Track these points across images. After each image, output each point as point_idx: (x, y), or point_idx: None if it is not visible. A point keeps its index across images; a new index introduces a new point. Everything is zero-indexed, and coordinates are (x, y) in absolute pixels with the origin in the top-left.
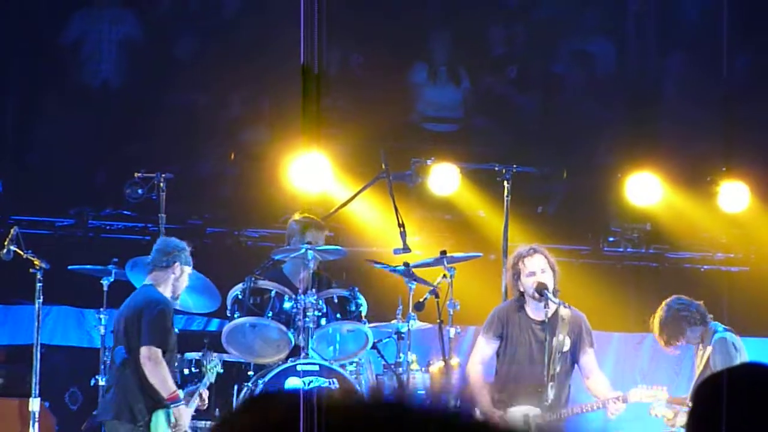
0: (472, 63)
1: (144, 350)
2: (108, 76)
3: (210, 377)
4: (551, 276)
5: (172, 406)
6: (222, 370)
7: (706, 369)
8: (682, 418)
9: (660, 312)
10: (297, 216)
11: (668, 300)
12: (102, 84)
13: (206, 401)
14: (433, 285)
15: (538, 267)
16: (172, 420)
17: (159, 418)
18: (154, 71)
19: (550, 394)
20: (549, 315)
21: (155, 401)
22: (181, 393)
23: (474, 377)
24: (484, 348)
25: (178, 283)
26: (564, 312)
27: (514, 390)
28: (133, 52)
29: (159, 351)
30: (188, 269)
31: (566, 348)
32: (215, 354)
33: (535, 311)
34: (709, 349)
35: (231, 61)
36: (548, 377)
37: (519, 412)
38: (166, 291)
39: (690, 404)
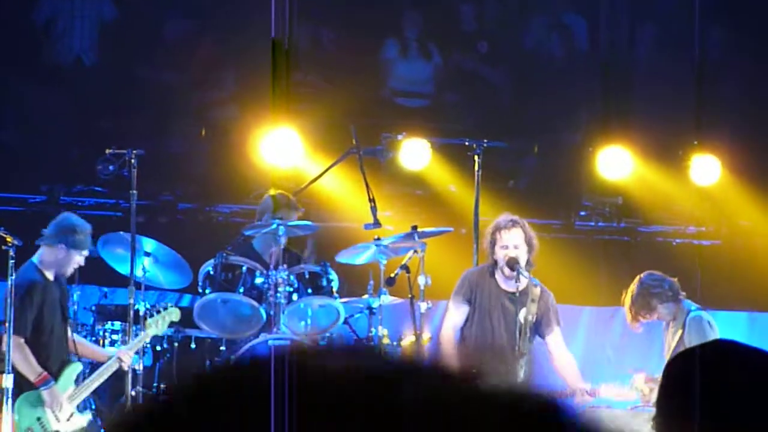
0: (443, 38)
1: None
2: (81, 53)
3: (152, 330)
4: (525, 251)
5: (42, 388)
6: (178, 319)
7: (679, 346)
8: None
9: (632, 287)
10: (272, 192)
11: (641, 275)
12: (75, 61)
13: (128, 361)
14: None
15: (513, 242)
16: (45, 399)
17: (22, 402)
18: (127, 48)
19: (520, 373)
20: (520, 289)
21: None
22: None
23: (446, 344)
24: (455, 314)
25: (62, 264)
26: (533, 288)
27: (480, 358)
28: (107, 30)
29: (20, 338)
30: (76, 253)
31: (531, 322)
32: (165, 308)
33: (505, 282)
34: (681, 327)
35: (203, 37)
36: (518, 352)
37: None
38: (49, 270)
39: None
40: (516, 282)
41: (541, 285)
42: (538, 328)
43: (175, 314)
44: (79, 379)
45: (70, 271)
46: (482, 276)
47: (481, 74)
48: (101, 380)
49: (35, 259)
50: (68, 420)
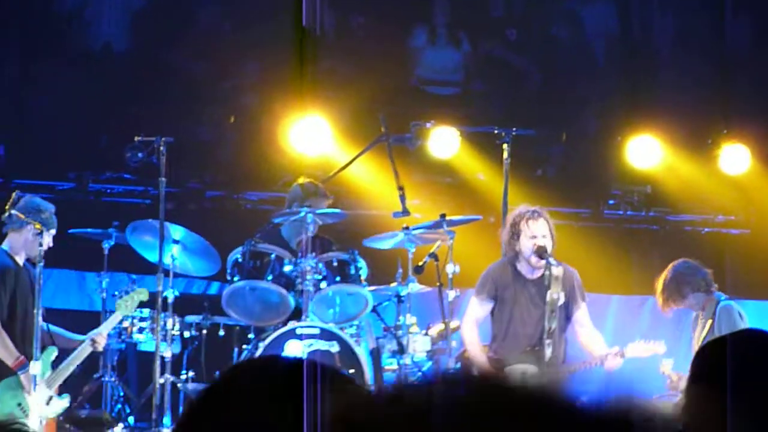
0: (472, 26)
1: None
2: (110, 39)
3: (122, 311)
4: (550, 242)
5: (20, 372)
6: (146, 298)
7: (709, 337)
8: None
9: (665, 273)
10: (301, 180)
11: (676, 262)
12: (104, 47)
13: (101, 342)
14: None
15: (540, 231)
16: (23, 384)
17: (3, 388)
18: (156, 35)
19: (548, 352)
20: (543, 273)
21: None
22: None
23: (469, 338)
24: (477, 309)
25: (32, 246)
26: (556, 269)
27: (512, 350)
28: (136, 16)
29: None
30: (45, 232)
31: (560, 304)
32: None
33: (528, 270)
34: (711, 317)
35: (233, 24)
36: (546, 334)
37: (516, 370)
38: (19, 255)
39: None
40: (543, 270)
41: (564, 264)
42: (567, 308)
43: (143, 294)
44: (56, 364)
45: (38, 252)
46: (504, 270)
47: (509, 61)
48: (77, 363)
49: (5, 246)
50: (47, 404)
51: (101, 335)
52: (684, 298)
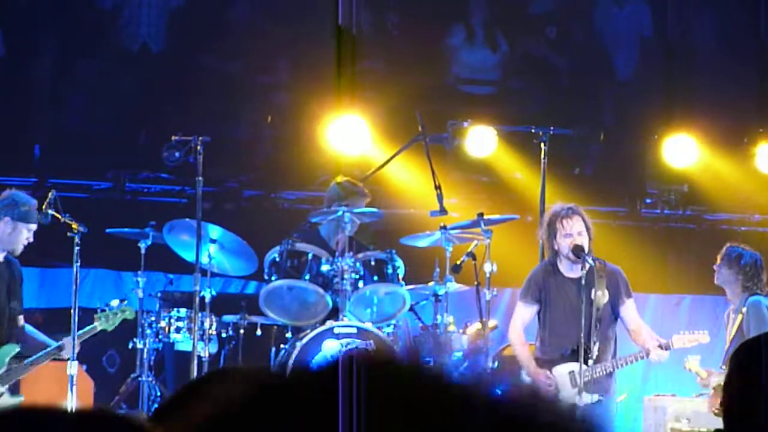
0: (509, 24)
1: None
2: (148, 39)
3: (101, 324)
4: (587, 239)
5: None
6: (132, 317)
7: (739, 333)
8: (716, 379)
9: (743, 249)
10: (339, 179)
11: (732, 245)
12: (141, 47)
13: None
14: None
15: (576, 229)
16: None
17: None
18: (193, 35)
19: (594, 350)
20: (585, 272)
21: None
22: None
23: (516, 341)
24: (524, 313)
25: (11, 240)
26: (598, 267)
27: (558, 350)
28: (173, 16)
29: None
30: (23, 226)
31: (605, 301)
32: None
33: (569, 270)
34: (741, 313)
35: (269, 23)
36: (592, 334)
37: (564, 369)
38: None
39: (724, 368)
40: (582, 268)
41: (606, 262)
42: (612, 305)
43: (128, 313)
44: (13, 362)
45: (19, 247)
46: (546, 272)
47: (547, 60)
48: (38, 365)
49: None
50: None
51: (69, 343)
52: (725, 267)
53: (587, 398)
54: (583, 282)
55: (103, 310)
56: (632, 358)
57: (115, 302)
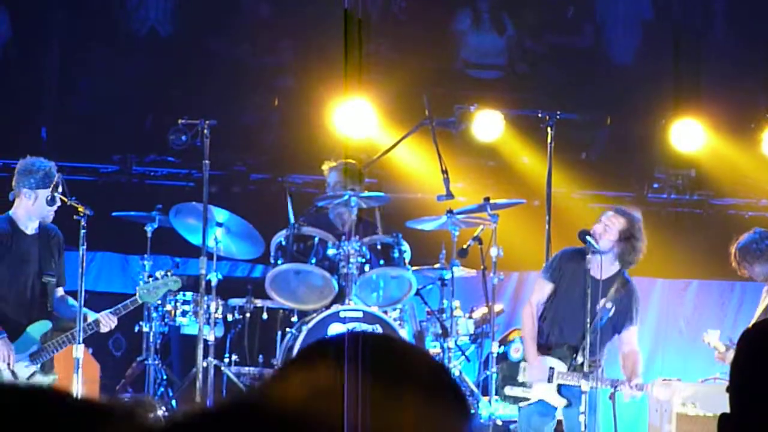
0: (516, 9)
1: None
2: (156, 24)
3: (146, 297)
4: (615, 238)
5: None
6: (177, 288)
7: (766, 313)
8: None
9: (740, 238)
10: (333, 163)
11: (756, 229)
12: (149, 31)
13: (107, 323)
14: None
15: (608, 222)
16: None
17: None
18: (201, 19)
19: (585, 356)
20: (606, 277)
21: None
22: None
23: (525, 319)
24: (539, 289)
25: (36, 208)
26: (620, 279)
27: (555, 340)
28: (181, 1)
29: None
30: (45, 191)
31: (611, 314)
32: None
33: (596, 269)
34: None
35: (276, 7)
36: (587, 338)
37: (548, 362)
38: (24, 221)
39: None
40: (613, 274)
41: (631, 279)
42: (616, 320)
43: (173, 284)
44: (47, 338)
45: (50, 215)
46: (574, 258)
47: (555, 45)
48: (70, 343)
49: (10, 211)
50: (28, 379)
51: (108, 318)
52: (750, 265)
53: (557, 401)
54: (601, 283)
55: (146, 282)
56: (607, 382)
57: (159, 273)
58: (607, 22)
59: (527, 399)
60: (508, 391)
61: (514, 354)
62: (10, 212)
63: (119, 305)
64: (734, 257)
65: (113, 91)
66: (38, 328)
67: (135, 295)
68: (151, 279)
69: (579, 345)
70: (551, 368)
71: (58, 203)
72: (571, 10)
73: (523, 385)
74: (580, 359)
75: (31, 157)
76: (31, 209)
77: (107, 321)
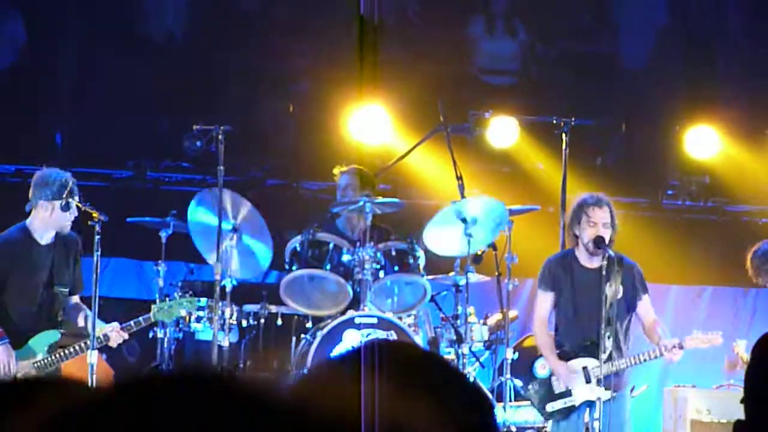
0: (529, 14)
1: None
2: (172, 28)
3: (159, 315)
4: (610, 232)
5: None
6: (193, 308)
7: None
8: None
9: (756, 246)
10: (343, 168)
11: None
12: (166, 36)
13: (117, 337)
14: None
15: (602, 220)
16: None
17: None
18: (217, 24)
19: (608, 344)
20: (602, 263)
21: None
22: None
23: (537, 334)
24: (542, 304)
25: (54, 220)
26: (617, 261)
27: (573, 342)
28: (198, 5)
29: None
30: (58, 203)
31: (620, 296)
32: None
33: (588, 259)
34: None
35: (291, 13)
36: (606, 328)
37: (578, 364)
38: (40, 231)
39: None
40: (601, 259)
41: (624, 256)
42: (628, 300)
43: (189, 305)
44: (54, 348)
45: (66, 225)
46: (564, 260)
47: (569, 50)
48: (78, 354)
49: (27, 220)
50: None
51: (117, 332)
52: (763, 275)
53: (602, 395)
54: (603, 273)
55: (162, 300)
56: (645, 356)
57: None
58: (622, 28)
59: (572, 407)
60: (550, 408)
61: (541, 371)
62: (27, 221)
63: (131, 321)
64: (751, 265)
65: (128, 97)
66: (45, 338)
67: (150, 312)
68: (167, 298)
69: (600, 336)
70: (584, 367)
71: (74, 211)
72: (586, 16)
73: (562, 396)
74: (608, 346)
75: (48, 169)
76: (48, 221)
77: (117, 336)
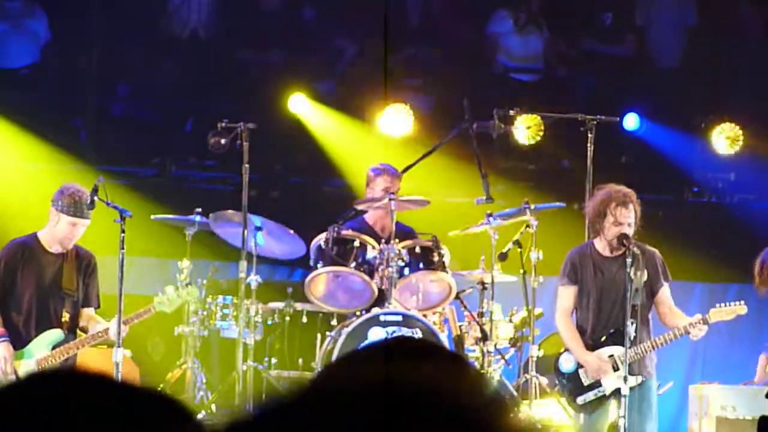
0: (554, 13)
1: None
2: (197, 26)
3: (160, 307)
4: (633, 229)
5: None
6: (194, 299)
7: None
8: None
9: (763, 254)
10: (375, 165)
11: None
12: (190, 34)
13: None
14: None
15: (627, 219)
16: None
17: None
18: (241, 22)
19: (632, 330)
20: (622, 252)
21: None
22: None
23: (562, 326)
24: (563, 296)
25: (59, 231)
26: (636, 250)
27: (598, 331)
28: (223, 3)
29: None
30: (66, 218)
31: (643, 282)
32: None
33: (607, 249)
34: None
35: (317, 11)
36: (629, 314)
37: (605, 353)
38: (49, 240)
39: None
40: (622, 253)
41: (642, 245)
42: (649, 287)
43: (189, 295)
44: (59, 346)
45: (64, 240)
46: (583, 252)
47: (593, 49)
48: (81, 347)
49: (42, 230)
50: None
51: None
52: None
53: (631, 381)
54: (629, 265)
55: (164, 293)
56: (671, 336)
57: (169, 288)
58: (649, 26)
59: (603, 397)
60: (582, 400)
61: (567, 365)
62: (42, 229)
63: (133, 314)
64: (761, 274)
65: (153, 94)
66: (50, 337)
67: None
68: (169, 288)
69: (624, 324)
70: (610, 356)
71: (78, 230)
72: (611, 16)
73: (591, 388)
74: (632, 332)
75: (73, 184)
76: (53, 230)
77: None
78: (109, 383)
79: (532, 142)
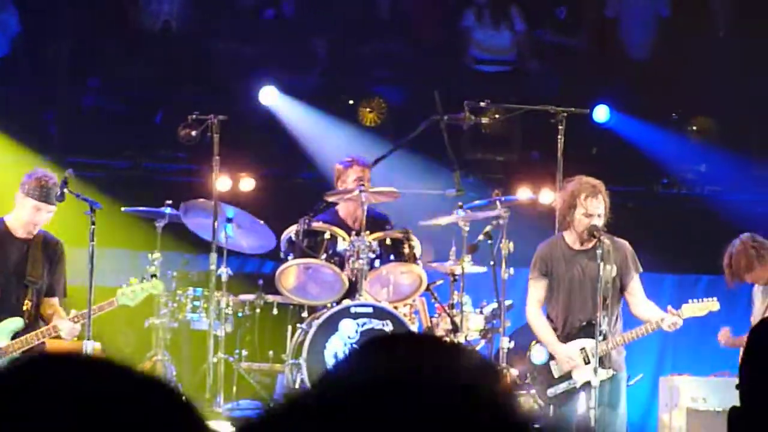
0: (524, 5)
1: None
2: (169, 19)
3: (123, 300)
4: (603, 220)
5: None
6: (158, 292)
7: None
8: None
9: (731, 246)
10: (342, 159)
11: (742, 235)
12: (162, 27)
13: (67, 330)
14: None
15: (597, 210)
16: None
17: None
18: (212, 15)
19: (603, 324)
20: (593, 245)
21: None
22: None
23: (533, 320)
24: (535, 289)
25: (23, 215)
26: (605, 241)
27: (568, 325)
28: None
29: None
30: (30, 202)
31: (613, 275)
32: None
33: (577, 242)
34: None
35: (289, 2)
36: (601, 308)
37: (576, 346)
38: (16, 226)
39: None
40: (593, 242)
41: (612, 236)
42: (620, 280)
43: (154, 289)
44: (17, 336)
45: (31, 225)
46: (554, 245)
47: (561, 40)
48: (39, 340)
49: (8, 215)
50: None
51: (69, 325)
52: (751, 271)
53: (602, 374)
54: (599, 257)
55: (128, 285)
56: (643, 330)
57: (134, 280)
58: (621, 18)
59: (573, 389)
60: (552, 392)
61: (539, 357)
62: (7, 215)
63: (95, 306)
64: (732, 267)
65: (124, 87)
66: (10, 325)
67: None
68: (135, 281)
69: (594, 317)
70: (581, 349)
71: (43, 215)
72: (568, 10)
73: (561, 380)
74: (603, 326)
75: (44, 169)
76: (18, 215)
77: (69, 329)
78: (118, 370)
79: (503, 134)
